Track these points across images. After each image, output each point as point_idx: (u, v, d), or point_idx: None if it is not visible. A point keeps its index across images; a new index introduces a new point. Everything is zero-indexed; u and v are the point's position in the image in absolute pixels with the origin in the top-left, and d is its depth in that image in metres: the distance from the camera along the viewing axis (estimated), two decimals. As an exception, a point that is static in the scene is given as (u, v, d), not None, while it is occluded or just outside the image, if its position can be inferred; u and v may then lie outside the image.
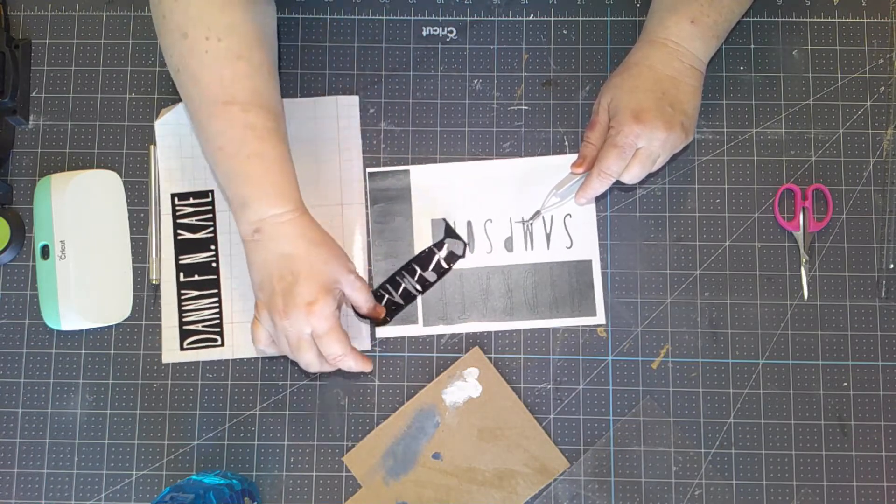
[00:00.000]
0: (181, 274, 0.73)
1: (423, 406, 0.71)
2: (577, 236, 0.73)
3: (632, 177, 0.67)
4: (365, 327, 0.72)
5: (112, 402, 0.72)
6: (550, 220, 0.74)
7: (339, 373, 0.72)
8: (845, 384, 0.72)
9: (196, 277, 0.73)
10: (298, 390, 0.72)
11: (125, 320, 0.73)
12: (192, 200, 0.74)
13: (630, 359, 0.72)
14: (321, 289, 0.62)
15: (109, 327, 0.73)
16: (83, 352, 0.73)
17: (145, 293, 0.73)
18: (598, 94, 0.70)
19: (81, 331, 0.73)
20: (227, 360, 0.72)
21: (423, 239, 0.74)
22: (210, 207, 0.74)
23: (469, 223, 0.74)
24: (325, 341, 0.63)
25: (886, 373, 0.72)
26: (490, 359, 0.72)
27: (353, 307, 0.69)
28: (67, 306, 0.71)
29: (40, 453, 0.72)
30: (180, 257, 0.73)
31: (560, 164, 0.73)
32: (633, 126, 0.64)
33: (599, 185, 0.68)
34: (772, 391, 0.72)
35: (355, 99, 0.75)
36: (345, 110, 0.75)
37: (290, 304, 0.62)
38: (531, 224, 0.73)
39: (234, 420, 0.72)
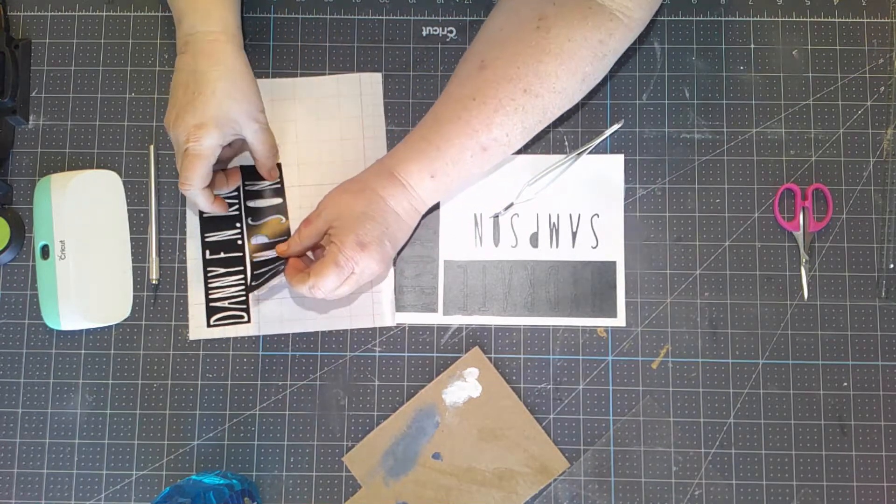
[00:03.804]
0: (207, 251, 0.73)
1: (423, 406, 0.71)
2: (603, 237, 0.74)
3: (337, 293, 0.65)
4: (389, 305, 0.73)
5: (112, 402, 0.72)
6: (577, 218, 0.74)
7: (340, 373, 0.72)
8: (845, 384, 0.72)
9: (222, 255, 0.73)
10: (298, 390, 0.72)
11: (125, 320, 0.73)
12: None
13: (630, 359, 0.73)
14: (214, 119, 0.64)
15: (109, 327, 0.73)
16: (83, 352, 0.73)
17: (145, 293, 0.73)
18: (325, 199, 0.67)
19: (81, 331, 0.73)
20: (227, 359, 0.72)
21: (448, 227, 0.74)
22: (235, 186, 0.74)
23: (496, 216, 0.74)
24: (186, 164, 0.65)
25: (886, 373, 0.72)
26: (490, 359, 0.72)
27: (252, 157, 0.71)
28: (67, 306, 0.71)
29: (40, 453, 0.72)
30: (206, 235, 0.73)
31: (583, 163, 0.74)
32: (358, 252, 0.64)
33: (308, 294, 0.65)
34: (772, 391, 0.72)
35: (378, 76, 0.75)
36: (368, 87, 0.75)
37: (179, 118, 0.64)
38: (497, 218, 0.74)
39: (234, 420, 0.72)
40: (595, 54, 0.64)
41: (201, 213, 0.74)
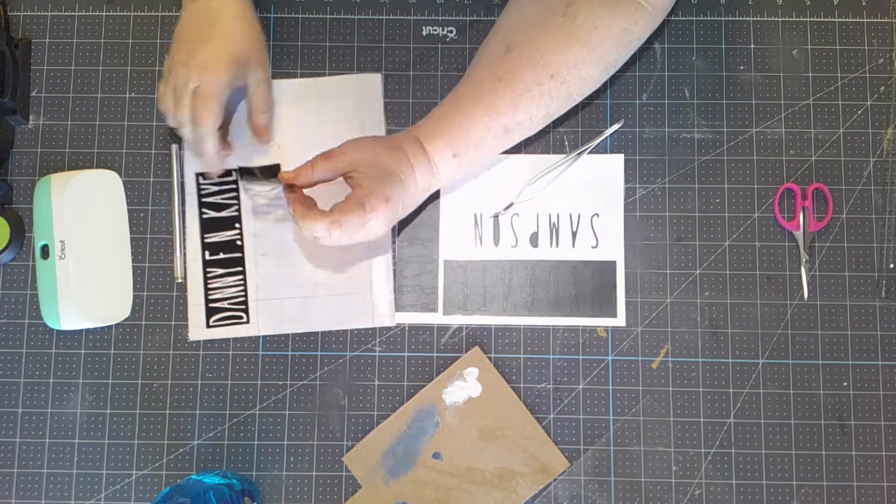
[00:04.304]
0: (206, 252, 0.73)
1: (423, 406, 0.71)
2: (603, 236, 0.74)
3: (340, 241, 0.63)
4: (388, 306, 0.73)
5: (112, 402, 0.72)
6: (577, 218, 0.74)
7: (340, 373, 0.72)
8: (845, 384, 0.72)
9: (221, 255, 0.73)
10: (298, 390, 0.72)
11: (125, 320, 0.73)
12: (216, 179, 0.74)
13: (630, 358, 0.73)
14: (227, 56, 0.66)
15: (109, 327, 0.73)
16: (83, 352, 0.73)
17: (145, 293, 0.73)
18: (352, 142, 0.64)
19: (81, 331, 0.73)
20: (227, 359, 0.72)
21: (448, 227, 0.74)
22: (234, 186, 0.74)
23: (496, 216, 0.74)
24: (200, 102, 0.66)
25: (886, 373, 0.72)
26: (490, 358, 0.72)
27: (249, 108, 0.72)
28: (67, 306, 0.71)
29: (40, 453, 0.72)
30: (205, 236, 0.73)
31: (585, 164, 0.75)
32: (382, 204, 0.62)
33: (323, 231, 0.61)
34: (772, 391, 0.72)
35: (378, 78, 0.76)
36: (368, 88, 0.75)
37: (192, 55, 0.66)
38: (497, 217, 0.74)
39: (234, 420, 0.72)
40: (621, 42, 0.64)
41: (201, 213, 0.74)
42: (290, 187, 0.64)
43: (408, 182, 0.65)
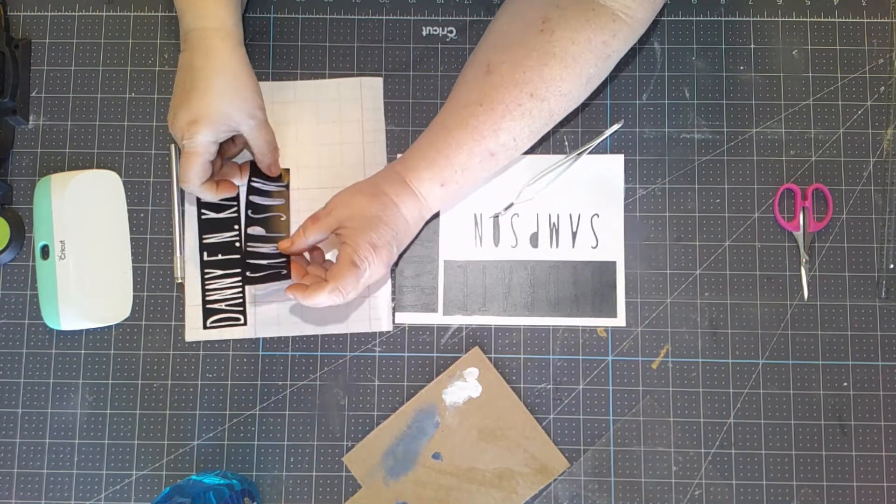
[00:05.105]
0: (205, 253, 0.73)
1: (423, 406, 0.71)
2: (603, 237, 0.74)
3: (349, 297, 0.64)
4: (386, 310, 0.73)
5: (112, 402, 0.72)
6: (577, 218, 0.74)
7: (340, 373, 0.72)
8: (845, 384, 0.72)
9: (220, 257, 0.73)
10: (298, 390, 0.72)
11: (125, 320, 0.73)
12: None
13: (630, 359, 0.73)
14: (206, 116, 0.64)
15: (109, 327, 0.73)
16: (83, 352, 0.73)
17: (145, 293, 0.73)
18: (336, 198, 0.66)
19: (81, 331, 0.73)
20: (227, 359, 0.72)
21: (448, 227, 0.74)
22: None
23: (496, 216, 0.74)
24: (183, 162, 0.66)
25: (886, 373, 0.72)
26: (490, 359, 0.72)
27: (251, 152, 0.71)
28: (67, 306, 0.71)
29: (40, 453, 0.72)
30: (204, 237, 0.73)
31: (583, 164, 0.74)
32: (371, 254, 0.63)
33: (328, 301, 0.63)
34: (772, 391, 0.72)
35: (379, 81, 0.75)
36: (369, 91, 0.75)
37: (177, 115, 0.65)
38: (497, 218, 0.74)
39: (234, 420, 0.72)
40: (599, 56, 0.64)
41: (199, 214, 0.74)
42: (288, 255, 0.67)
43: (395, 222, 0.65)
